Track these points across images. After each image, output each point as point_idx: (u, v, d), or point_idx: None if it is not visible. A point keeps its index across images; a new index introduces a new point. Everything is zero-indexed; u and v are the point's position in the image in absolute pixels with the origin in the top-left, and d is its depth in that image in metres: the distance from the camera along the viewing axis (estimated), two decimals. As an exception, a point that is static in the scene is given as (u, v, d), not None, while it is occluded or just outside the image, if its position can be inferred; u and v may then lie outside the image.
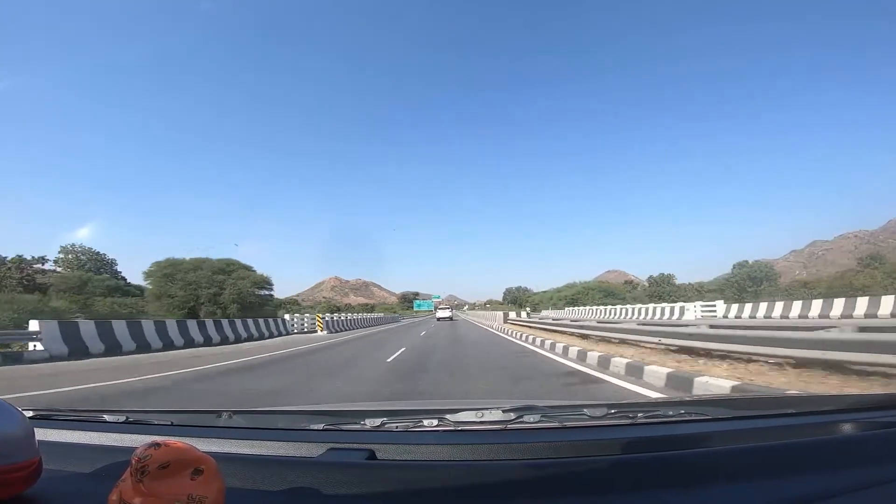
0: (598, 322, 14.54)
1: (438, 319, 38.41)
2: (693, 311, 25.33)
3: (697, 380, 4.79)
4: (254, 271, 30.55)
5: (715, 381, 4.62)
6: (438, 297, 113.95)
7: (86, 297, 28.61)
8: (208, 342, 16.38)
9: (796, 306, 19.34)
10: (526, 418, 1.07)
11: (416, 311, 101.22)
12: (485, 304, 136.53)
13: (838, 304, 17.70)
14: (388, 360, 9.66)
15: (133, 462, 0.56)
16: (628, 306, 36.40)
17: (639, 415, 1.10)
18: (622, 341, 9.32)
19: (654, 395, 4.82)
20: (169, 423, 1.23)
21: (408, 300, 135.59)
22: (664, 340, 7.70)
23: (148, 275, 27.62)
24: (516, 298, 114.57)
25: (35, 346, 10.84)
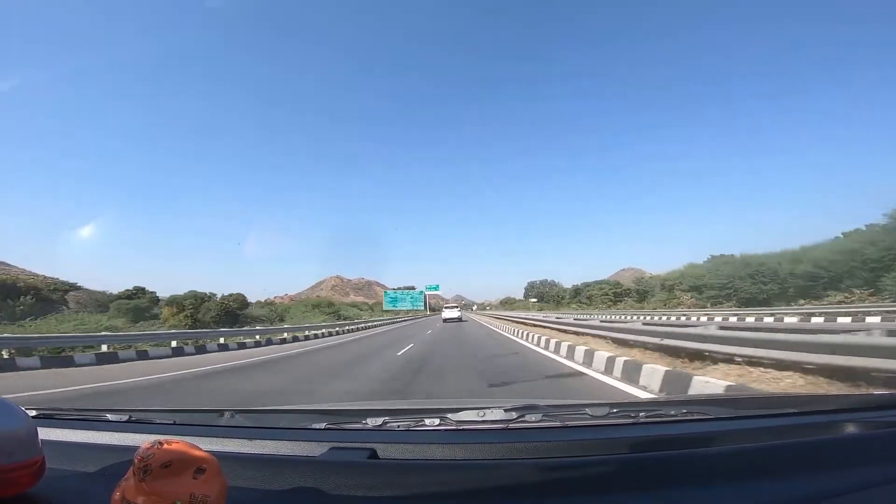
0: None
1: (445, 321, 32.20)
2: None
3: None
4: None
5: None
6: (435, 288, 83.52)
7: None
8: None
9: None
10: (528, 417, 1.07)
11: (388, 312, 62.63)
12: (500, 302, 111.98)
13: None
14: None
15: (135, 461, 0.56)
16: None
17: (641, 414, 1.10)
18: None
19: None
20: (171, 421, 1.24)
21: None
22: None
23: None
24: (542, 294, 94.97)
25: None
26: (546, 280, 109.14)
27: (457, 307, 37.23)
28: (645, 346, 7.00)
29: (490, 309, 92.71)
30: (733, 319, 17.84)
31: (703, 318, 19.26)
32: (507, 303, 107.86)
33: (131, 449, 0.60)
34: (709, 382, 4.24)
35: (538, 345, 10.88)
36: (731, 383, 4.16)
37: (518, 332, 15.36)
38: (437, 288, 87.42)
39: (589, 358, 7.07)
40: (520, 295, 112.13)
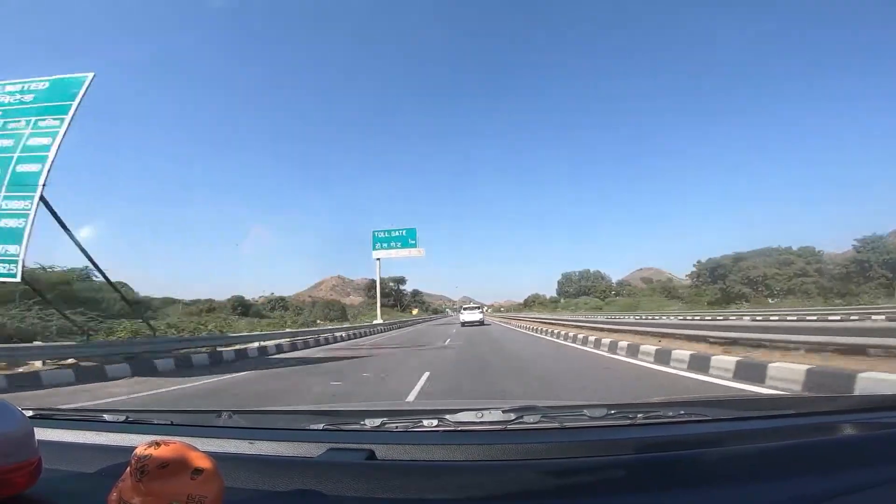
0: None
1: (464, 324, 27.06)
2: None
3: None
4: None
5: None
6: (405, 241, 34.19)
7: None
8: None
9: None
10: (526, 419, 1.07)
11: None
12: (524, 302, 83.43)
13: None
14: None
15: (132, 462, 0.56)
16: None
17: (638, 416, 1.10)
18: None
19: None
20: (169, 422, 1.24)
21: (385, 293, 59.92)
22: None
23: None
24: (586, 290, 69.14)
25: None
26: (587, 271, 76.90)
27: (478, 308, 31.15)
28: None
29: (503, 311, 71.26)
30: None
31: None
32: (536, 303, 76.91)
33: (128, 449, 0.59)
34: None
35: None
36: None
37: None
38: (411, 240, 34.29)
39: None
40: (548, 292, 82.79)
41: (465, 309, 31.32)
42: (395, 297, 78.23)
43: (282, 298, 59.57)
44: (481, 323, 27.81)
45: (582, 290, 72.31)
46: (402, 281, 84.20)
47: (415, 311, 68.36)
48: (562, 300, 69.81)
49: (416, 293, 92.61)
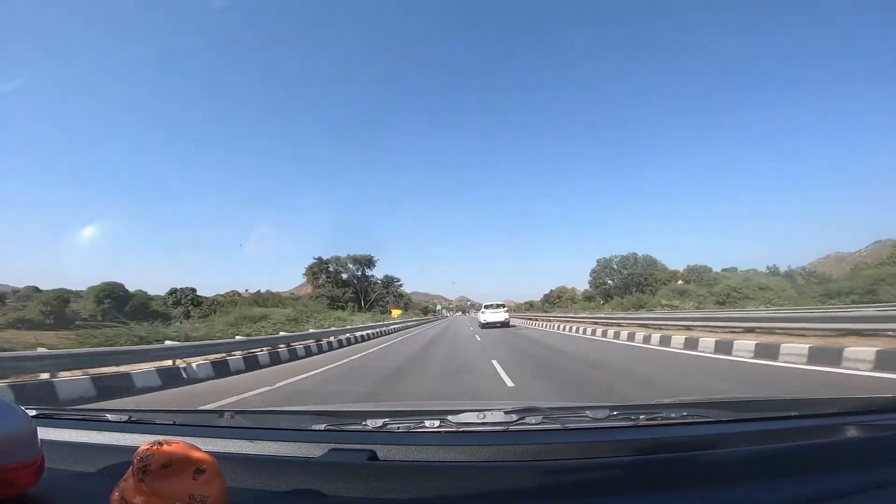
0: None
1: (483, 325, 23.35)
2: None
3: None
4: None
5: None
6: None
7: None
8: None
9: None
10: (528, 420, 1.07)
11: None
12: (544, 298, 63.68)
13: None
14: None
15: (135, 461, 0.56)
16: None
17: (641, 417, 1.10)
18: None
19: None
20: (171, 422, 1.24)
21: (342, 282, 48.48)
22: None
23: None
24: (638, 280, 48.05)
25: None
26: (633, 255, 53.90)
27: (502, 306, 25.41)
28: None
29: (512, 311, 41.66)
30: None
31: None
32: (564, 298, 57.60)
33: (131, 449, 0.60)
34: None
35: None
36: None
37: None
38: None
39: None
40: (578, 286, 62.83)
41: (486, 308, 26.58)
42: (357, 288, 49.00)
43: (193, 290, 45.64)
44: (505, 324, 23.80)
45: (630, 280, 50.69)
46: (368, 262, 51.20)
47: (396, 313, 44.53)
48: (597, 298, 48.51)
49: (389, 282, 57.42)
